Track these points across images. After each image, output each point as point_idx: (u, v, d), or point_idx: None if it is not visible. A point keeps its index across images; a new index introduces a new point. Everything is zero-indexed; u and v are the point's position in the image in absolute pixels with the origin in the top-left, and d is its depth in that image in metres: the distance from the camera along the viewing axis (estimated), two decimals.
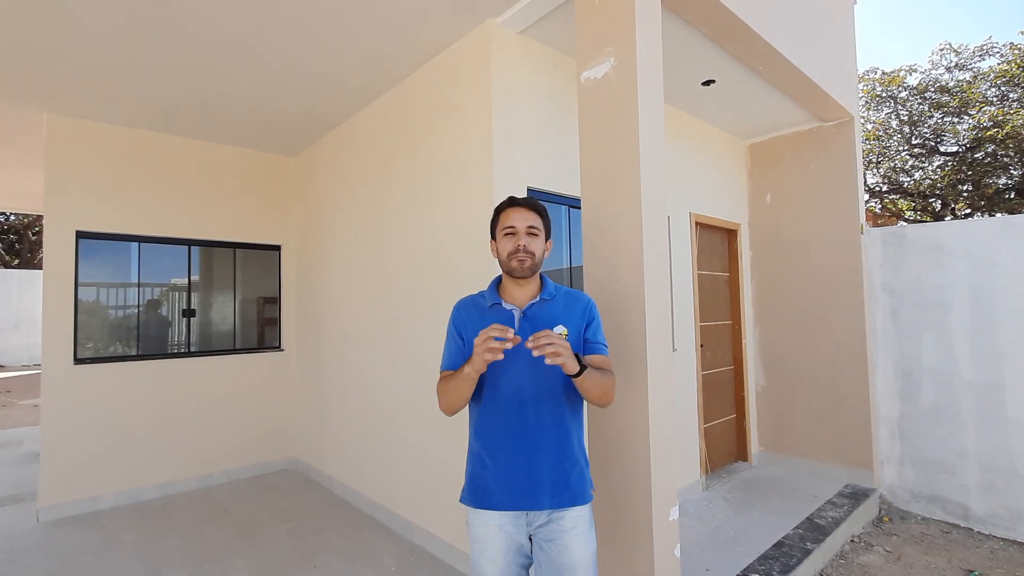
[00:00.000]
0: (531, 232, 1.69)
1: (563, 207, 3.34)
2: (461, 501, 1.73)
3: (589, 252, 2.40)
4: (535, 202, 1.75)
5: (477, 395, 1.73)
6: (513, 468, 1.64)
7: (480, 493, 1.67)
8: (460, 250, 3.20)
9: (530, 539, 1.68)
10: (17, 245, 17.30)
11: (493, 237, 1.77)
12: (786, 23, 3.44)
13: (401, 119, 3.79)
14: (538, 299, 1.72)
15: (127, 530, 3.83)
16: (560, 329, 1.62)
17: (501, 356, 1.45)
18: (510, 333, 1.44)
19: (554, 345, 1.41)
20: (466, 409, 1.75)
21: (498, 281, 1.80)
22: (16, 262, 16.89)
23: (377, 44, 3.25)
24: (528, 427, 1.64)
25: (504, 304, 1.72)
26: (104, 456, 4.31)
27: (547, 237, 1.77)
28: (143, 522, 3.97)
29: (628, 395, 2.21)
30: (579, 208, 2.81)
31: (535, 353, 1.42)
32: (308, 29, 3.07)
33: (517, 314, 1.70)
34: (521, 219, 1.69)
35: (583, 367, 1.52)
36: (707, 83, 3.91)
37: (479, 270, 3.02)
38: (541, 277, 1.78)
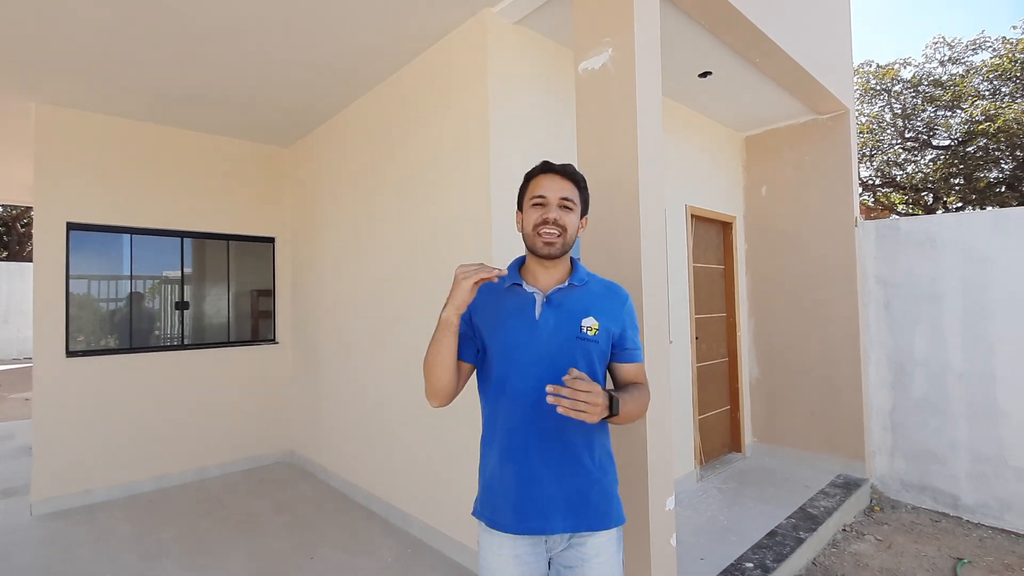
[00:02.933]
0: (564, 205, 1.41)
1: None
2: (474, 515, 1.50)
3: (586, 244, 2.40)
4: (573, 171, 1.47)
5: (485, 390, 1.50)
6: (522, 481, 1.39)
7: (490, 510, 1.44)
8: (454, 242, 3.18)
9: (549, 563, 1.46)
10: (5, 237, 17.09)
11: (520, 208, 1.49)
12: (783, 14, 3.43)
13: (396, 110, 3.75)
14: (566, 284, 1.45)
15: (121, 523, 3.82)
16: (591, 322, 1.41)
17: (489, 276, 1.25)
18: (493, 273, 1.24)
19: (592, 394, 1.18)
20: (463, 404, 1.61)
21: (521, 261, 1.54)
22: (4, 254, 16.70)
23: (371, 34, 3.22)
24: (542, 432, 1.38)
25: (525, 286, 1.46)
26: (97, 449, 4.29)
27: (583, 213, 1.49)
28: (138, 515, 3.96)
29: None
30: None
31: (560, 408, 1.18)
32: (302, 18, 3.03)
33: (539, 299, 1.43)
34: (555, 188, 1.41)
35: (615, 407, 1.25)
36: (704, 75, 3.90)
37: (473, 262, 3.01)
38: (572, 260, 1.52)
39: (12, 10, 2.88)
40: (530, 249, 1.46)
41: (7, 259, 16.31)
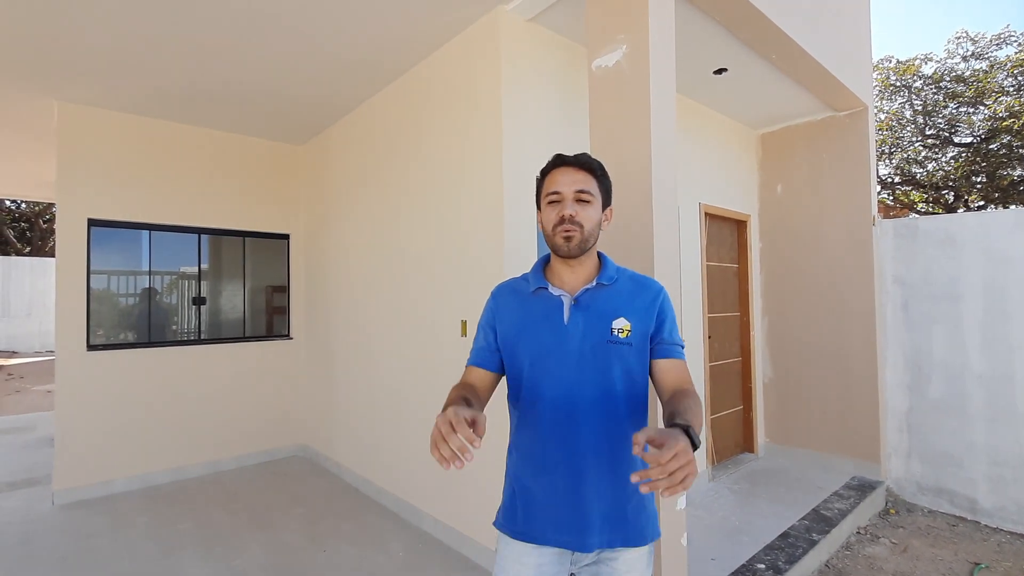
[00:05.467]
0: (581, 198, 1.31)
1: None
2: (495, 525, 1.43)
3: (599, 243, 2.39)
4: (588, 159, 1.36)
5: (514, 399, 1.42)
6: (557, 494, 1.31)
7: (520, 523, 1.35)
8: (469, 239, 3.19)
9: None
10: (28, 233, 17.46)
11: (539, 207, 1.41)
12: (800, 10, 3.39)
13: (409, 108, 3.77)
14: (595, 284, 1.36)
15: (140, 514, 3.90)
16: (622, 324, 1.32)
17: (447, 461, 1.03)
18: (468, 452, 1.02)
19: (677, 455, 0.94)
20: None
21: (545, 260, 1.45)
22: (28, 250, 17.06)
23: (384, 31, 3.23)
24: (577, 444, 1.30)
25: (551, 289, 1.37)
26: (117, 441, 4.38)
27: (606, 204, 1.39)
28: (155, 506, 4.04)
29: None
30: None
31: (663, 493, 0.94)
32: (318, 15, 3.05)
33: (567, 301, 1.35)
34: (568, 182, 1.32)
35: (696, 444, 1.04)
36: (719, 72, 3.86)
37: (488, 259, 3.02)
38: (600, 256, 1.42)
39: (36, 11, 2.94)
40: (552, 249, 1.37)
41: (31, 254, 16.67)
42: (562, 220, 1.31)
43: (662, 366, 1.33)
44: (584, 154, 1.38)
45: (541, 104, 3.14)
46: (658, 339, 1.35)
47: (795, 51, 3.45)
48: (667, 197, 2.26)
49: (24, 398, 8.31)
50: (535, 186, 1.45)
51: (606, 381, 1.31)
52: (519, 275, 1.50)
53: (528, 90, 3.07)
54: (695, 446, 1.03)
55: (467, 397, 1.29)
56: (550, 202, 1.35)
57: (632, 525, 1.32)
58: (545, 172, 1.40)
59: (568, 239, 1.31)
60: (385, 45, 3.40)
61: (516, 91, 3.00)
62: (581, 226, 1.31)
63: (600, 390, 1.30)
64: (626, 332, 1.31)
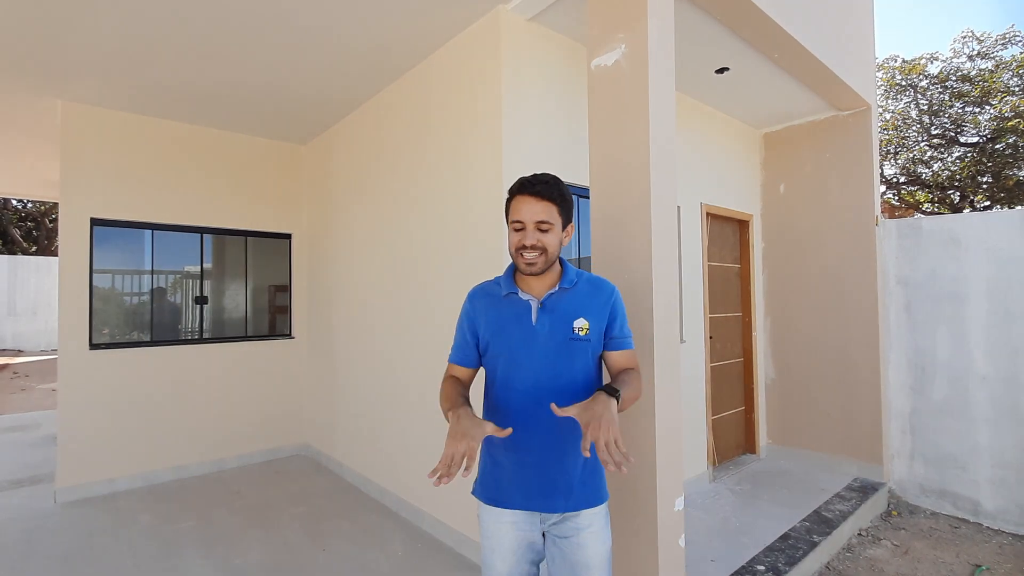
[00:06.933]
0: (541, 228, 1.49)
1: (574, 197, 3.32)
2: (473, 494, 1.68)
3: (597, 242, 2.39)
4: (550, 188, 1.51)
5: (489, 386, 1.66)
6: (527, 468, 1.56)
7: (492, 491, 1.62)
8: (468, 240, 3.19)
9: (543, 535, 1.62)
10: (35, 232, 17.57)
11: (507, 222, 1.59)
12: (802, 8, 3.37)
13: (411, 107, 3.77)
14: (557, 288, 1.58)
15: (142, 512, 3.91)
16: (581, 323, 1.55)
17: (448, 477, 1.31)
18: (467, 470, 1.30)
19: (610, 432, 1.27)
20: (474, 404, 1.67)
21: (515, 267, 1.64)
22: (34, 249, 17.17)
23: (386, 31, 3.24)
24: (543, 424, 1.53)
25: (520, 294, 1.59)
26: (119, 439, 4.40)
27: (566, 223, 1.57)
28: (157, 504, 4.06)
29: None
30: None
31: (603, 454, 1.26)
32: (320, 15, 3.06)
33: (535, 304, 1.57)
34: (530, 213, 1.49)
35: (619, 400, 1.38)
36: (721, 71, 3.85)
37: (487, 259, 3.02)
38: (561, 262, 1.63)
39: (40, 10, 2.96)
40: (518, 268, 1.58)
41: (37, 253, 16.77)
42: (524, 247, 1.50)
43: (614, 356, 1.60)
44: (547, 182, 1.52)
45: (542, 102, 3.13)
46: (611, 334, 1.60)
47: (797, 50, 3.44)
48: (666, 197, 2.25)
49: (29, 396, 8.37)
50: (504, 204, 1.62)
51: (569, 373, 1.55)
52: (491, 279, 1.72)
53: (529, 89, 3.06)
54: (616, 398, 1.36)
55: (465, 395, 1.58)
56: (515, 228, 1.53)
57: (590, 488, 1.58)
58: (510, 195, 1.56)
59: (531, 264, 1.52)
60: (386, 44, 3.40)
61: (517, 90, 2.99)
62: (544, 250, 1.51)
63: (564, 381, 1.54)
64: (585, 330, 1.55)
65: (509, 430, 1.39)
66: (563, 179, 1.59)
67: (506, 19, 2.97)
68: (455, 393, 1.55)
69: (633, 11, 2.24)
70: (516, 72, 3.00)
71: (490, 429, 1.36)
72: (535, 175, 1.55)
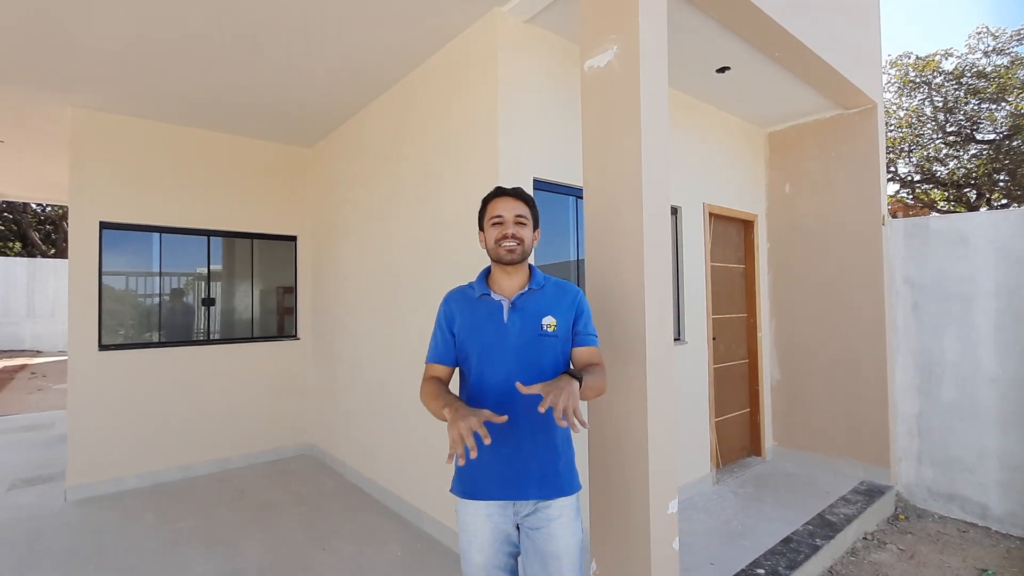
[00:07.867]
0: (519, 221, 1.69)
1: (570, 198, 3.32)
2: (451, 491, 1.74)
3: (591, 243, 2.38)
4: (523, 192, 1.76)
5: (464, 383, 1.76)
6: (500, 459, 1.64)
7: (468, 485, 1.68)
8: (465, 241, 3.20)
9: (517, 528, 1.68)
10: (53, 235, 17.92)
11: (481, 228, 1.77)
12: (803, 6, 3.33)
13: (409, 110, 3.79)
14: (527, 289, 1.72)
15: (147, 511, 3.97)
16: (549, 320, 1.66)
17: (465, 454, 1.38)
18: (485, 438, 1.37)
19: (568, 401, 1.35)
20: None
21: (487, 272, 1.80)
22: (52, 252, 17.50)
23: (385, 36, 3.26)
24: (518, 417, 1.61)
25: (493, 295, 1.72)
26: (128, 439, 4.47)
27: (535, 227, 1.77)
28: (163, 503, 4.12)
29: (627, 387, 2.20)
30: None
31: (558, 414, 1.34)
32: (320, 23, 3.09)
33: (506, 304, 1.70)
34: (509, 208, 1.70)
35: (579, 381, 1.47)
36: (722, 70, 3.82)
37: (484, 261, 3.02)
38: (530, 267, 1.78)
39: (50, 18, 3.02)
40: (495, 260, 1.72)
41: (55, 256, 17.11)
42: (505, 237, 1.67)
43: (579, 352, 1.71)
44: (520, 188, 1.77)
45: (538, 104, 3.13)
46: (576, 331, 1.71)
47: (799, 49, 3.40)
48: (658, 197, 2.24)
49: (46, 396, 8.54)
50: (479, 212, 1.79)
51: (539, 367, 1.64)
52: (465, 283, 1.85)
53: (525, 91, 3.07)
54: (579, 382, 1.46)
55: (451, 392, 1.65)
56: (494, 223, 1.70)
57: (562, 478, 1.67)
58: (488, 200, 1.76)
59: (511, 251, 1.67)
60: (385, 50, 3.43)
61: (512, 92, 3.00)
62: (521, 241, 1.69)
63: (534, 374, 1.62)
64: (553, 327, 1.67)
65: (505, 417, 1.45)
66: (561, 181, 1.77)
67: (502, 21, 2.98)
68: (442, 391, 1.62)
69: (624, 12, 2.24)
70: (512, 74, 3.01)
71: (487, 414, 1.43)
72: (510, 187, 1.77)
